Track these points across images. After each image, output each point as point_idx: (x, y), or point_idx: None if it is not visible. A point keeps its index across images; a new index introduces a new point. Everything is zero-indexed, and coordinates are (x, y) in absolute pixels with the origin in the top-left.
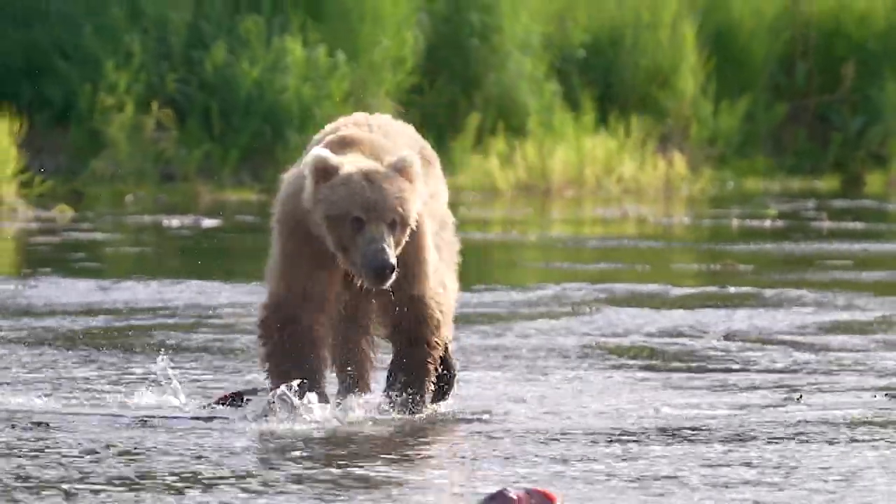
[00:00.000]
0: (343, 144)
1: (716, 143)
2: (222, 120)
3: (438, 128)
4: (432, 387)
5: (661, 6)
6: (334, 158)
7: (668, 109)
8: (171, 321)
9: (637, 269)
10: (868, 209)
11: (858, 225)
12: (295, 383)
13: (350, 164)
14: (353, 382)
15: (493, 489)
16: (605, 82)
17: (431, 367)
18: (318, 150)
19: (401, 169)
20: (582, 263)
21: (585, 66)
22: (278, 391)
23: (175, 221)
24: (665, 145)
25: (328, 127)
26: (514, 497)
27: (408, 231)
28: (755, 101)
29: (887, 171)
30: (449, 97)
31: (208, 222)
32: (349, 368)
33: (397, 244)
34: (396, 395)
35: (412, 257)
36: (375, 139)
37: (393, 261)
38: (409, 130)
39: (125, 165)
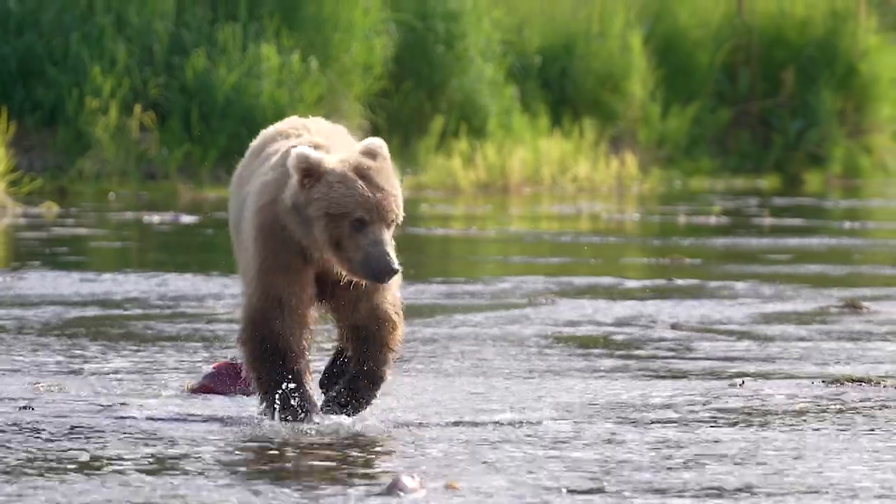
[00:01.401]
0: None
1: (664, 145)
2: (201, 122)
3: (405, 130)
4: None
5: (610, 17)
6: (318, 155)
7: (618, 113)
8: (151, 311)
9: (590, 263)
10: (806, 206)
11: (797, 221)
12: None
13: (333, 160)
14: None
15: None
16: (560, 87)
17: (387, 374)
18: (300, 148)
19: (375, 153)
20: (539, 257)
21: (541, 72)
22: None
23: (156, 217)
24: (616, 146)
25: (265, 132)
26: (410, 482)
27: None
28: (701, 106)
29: (824, 171)
30: (414, 101)
31: (187, 218)
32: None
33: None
34: (343, 397)
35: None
36: (326, 143)
37: (397, 264)
38: (343, 131)
39: (109, 165)
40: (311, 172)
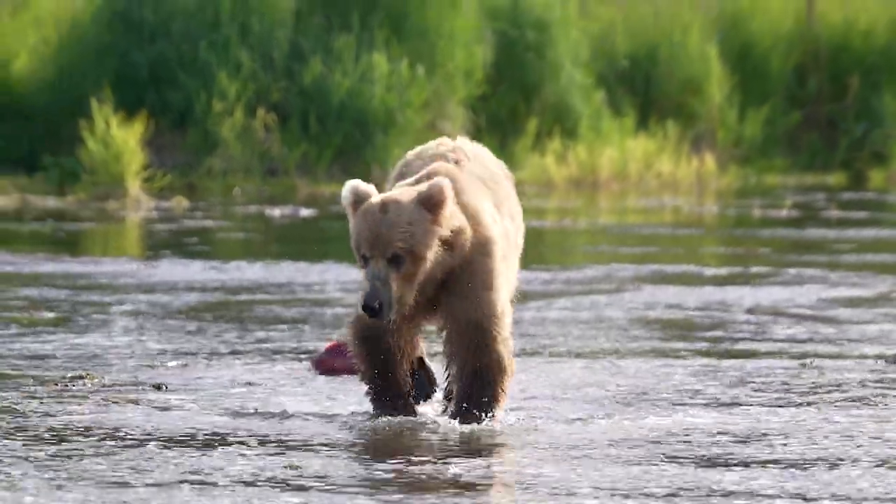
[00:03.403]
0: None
1: (740, 144)
2: (318, 124)
3: (502, 131)
4: (502, 404)
5: (688, 26)
6: (362, 188)
7: (699, 115)
8: (272, 296)
9: (673, 253)
10: (871, 201)
11: (862, 214)
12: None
13: (381, 194)
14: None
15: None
16: (645, 91)
17: (500, 390)
18: (351, 181)
19: (427, 198)
20: (626, 247)
21: (627, 77)
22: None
23: (277, 211)
24: (697, 146)
25: (419, 149)
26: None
27: (422, 263)
28: (774, 108)
29: (887, 168)
30: (510, 104)
31: (305, 212)
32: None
33: (407, 279)
34: (462, 409)
35: (477, 282)
36: (462, 177)
37: (382, 299)
38: (486, 152)
39: (234, 162)
40: (352, 205)
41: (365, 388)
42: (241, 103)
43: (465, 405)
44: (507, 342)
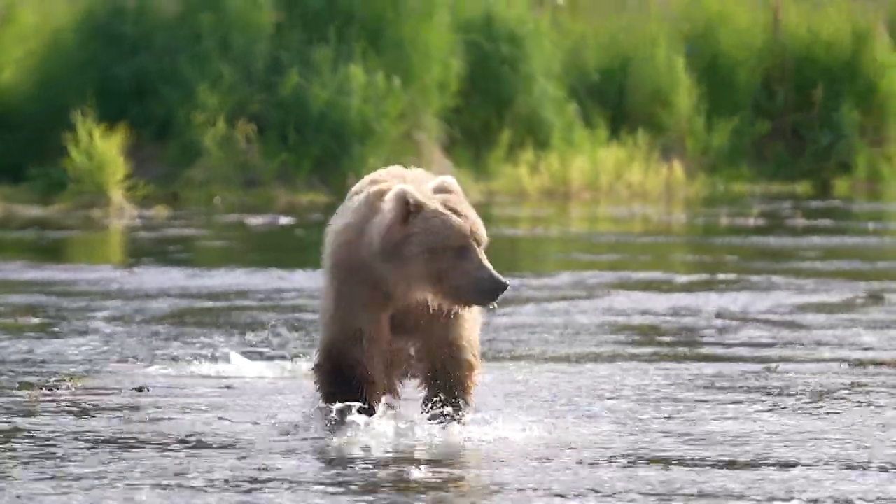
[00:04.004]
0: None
1: (708, 154)
2: (296, 134)
3: (476, 142)
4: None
5: (657, 40)
6: (419, 194)
7: (668, 126)
8: (252, 303)
9: (642, 260)
10: (836, 209)
11: (827, 222)
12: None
13: (427, 198)
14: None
15: None
16: (615, 103)
17: (471, 389)
18: (400, 187)
19: (447, 188)
20: (596, 254)
21: (598, 89)
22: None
23: (256, 220)
24: (666, 155)
25: (366, 178)
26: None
27: None
28: (741, 119)
29: (850, 177)
30: (484, 116)
31: (284, 220)
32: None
33: None
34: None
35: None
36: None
37: (505, 280)
38: (424, 175)
39: (214, 172)
40: (414, 209)
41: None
42: (222, 115)
43: (440, 406)
44: (476, 342)
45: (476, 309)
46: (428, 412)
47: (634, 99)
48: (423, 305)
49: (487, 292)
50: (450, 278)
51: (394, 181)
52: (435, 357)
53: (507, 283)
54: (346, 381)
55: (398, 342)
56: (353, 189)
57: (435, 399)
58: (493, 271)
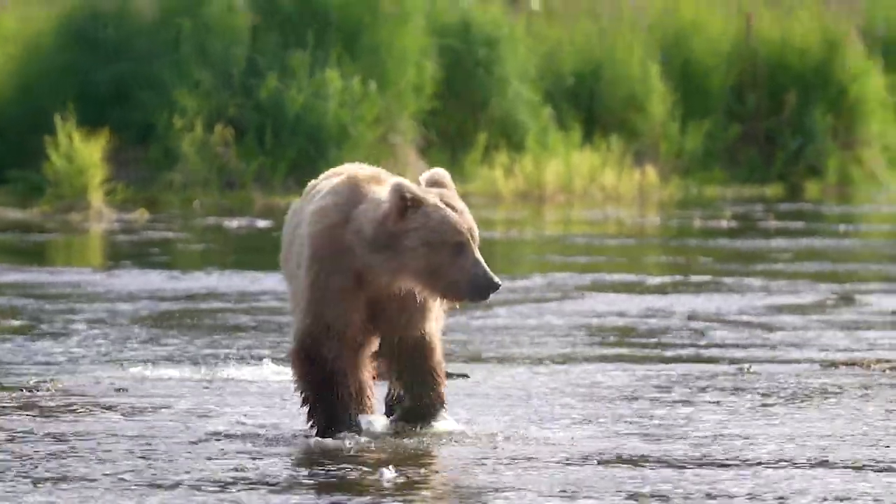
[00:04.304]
0: (378, 181)
1: (681, 158)
2: (274, 138)
3: (452, 145)
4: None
5: (631, 45)
6: (416, 189)
7: (641, 130)
8: (230, 304)
9: (616, 262)
10: (806, 211)
11: (798, 224)
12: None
13: (425, 192)
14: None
15: None
16: (590, 107)
17: (441, 398)
18: (400, 180)
19: (440, 181)
20: (570, 257)
21: (573, 93)
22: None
23: (234, 222)
24: (640, 159)
25: (324, 174)
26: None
27: None
28: (714, 124)
29: (821, 180)
30: (460, 119)
31: (262, 223)
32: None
33: None
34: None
35: (420, 301)
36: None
37: (498, 279)
38: (384, 173)
39: (193, 176)
40: (412, 203)
41: (307, 408)
42: (200, 119)
43: (418, 405)
44: (439, 339)
45: (439, 306)
46: (400, 413)
47: (608, 104)
48: (393, 296)
49: (481, 289)
50: (446, 274)
51: (361, 171)
52: (402, 349)
53: (500, 282)
54: (320, 372)
55: (367, 333)
56: (312, 184)
57: (405, 395)
58: (488, 269)
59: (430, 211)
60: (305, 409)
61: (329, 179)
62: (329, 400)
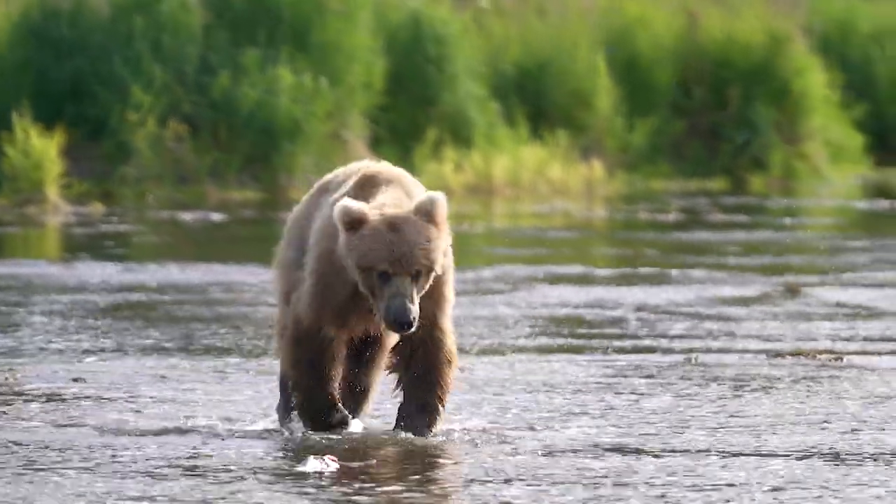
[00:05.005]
0: (374, 184)
1: (627, 152)
2: (227, 133)
3: (402, 140)
4: (443, 418)
5: (577, 42)
6: (359, 208)
7: (588, 125)
8: (185, 296)
9: (564, 254)
10: (751, 205)
11: (743, 218)
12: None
13: (377, 212)
14: (358, 405)
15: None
16: (537, 102)
17: (444, 403)
18: (344, 201)
19: (428, 212)
20: (520, 249)
21: (520, 88)
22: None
23: (188, 216)
24: (586, 153)
25: (340, 170)
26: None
27: (432, 276)
28: (659, 118)
29: (765, 174)
30: (410, 115)
31: (216, 216)
32: (358, 390)
33: (420, 291)
34: (411, 423)
35: (435, 296)
36: (405, 176)
37: (413, 315)
38: (407, 175)
39: (147, 170)
40: (352, 225)
41: (295, 401)
42: (154, 115)
43: (422, 402)
44: (453, 335)
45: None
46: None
47: (555, 99)
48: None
49: (394, 324)
50: (376, 297)
51: (385, 170)
52: (414, 349)
53: (412, 321)
54: (314, 355)
55: (377, 330)
56: (329, 178)
57: (404, 396)
58: (407, 304)
59: (365, 234)
60: (294, 395)
61: (347, 179)
62: (320, 396)
